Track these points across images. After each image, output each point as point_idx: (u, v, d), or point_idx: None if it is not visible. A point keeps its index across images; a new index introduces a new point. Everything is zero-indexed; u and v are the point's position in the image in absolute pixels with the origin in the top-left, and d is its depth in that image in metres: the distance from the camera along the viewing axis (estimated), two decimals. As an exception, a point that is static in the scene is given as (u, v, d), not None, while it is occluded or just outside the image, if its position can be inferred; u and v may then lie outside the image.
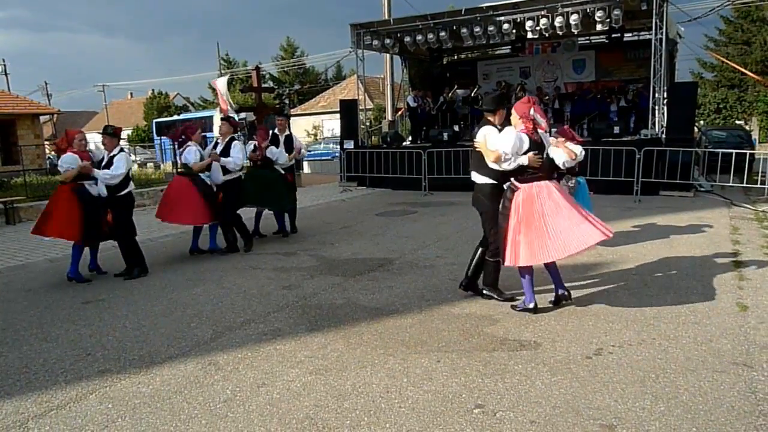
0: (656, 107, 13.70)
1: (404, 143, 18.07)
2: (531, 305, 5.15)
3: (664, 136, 13.11)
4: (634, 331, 4.63)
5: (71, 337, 5.02)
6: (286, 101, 47.30)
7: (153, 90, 57.56)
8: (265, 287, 6.38)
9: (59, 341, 4.95)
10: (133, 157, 29.08)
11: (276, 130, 9.23)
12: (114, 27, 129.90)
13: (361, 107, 18.68)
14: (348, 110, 17.82)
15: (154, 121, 40.39)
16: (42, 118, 28.53)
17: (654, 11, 13.13)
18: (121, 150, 6.92)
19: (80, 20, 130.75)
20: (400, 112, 21.98)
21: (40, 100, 39.62)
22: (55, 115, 31.25)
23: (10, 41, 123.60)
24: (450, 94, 18.96)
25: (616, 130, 14.55)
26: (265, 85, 33.86)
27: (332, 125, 39.00)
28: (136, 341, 4.86)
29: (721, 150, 12.48)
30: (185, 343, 4.76)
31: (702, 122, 30.01)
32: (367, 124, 22.39)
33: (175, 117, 41.46)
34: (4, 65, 41.28)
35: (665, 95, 13.69)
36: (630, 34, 18.27)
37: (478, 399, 3.60)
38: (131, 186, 7.10)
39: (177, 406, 3.69)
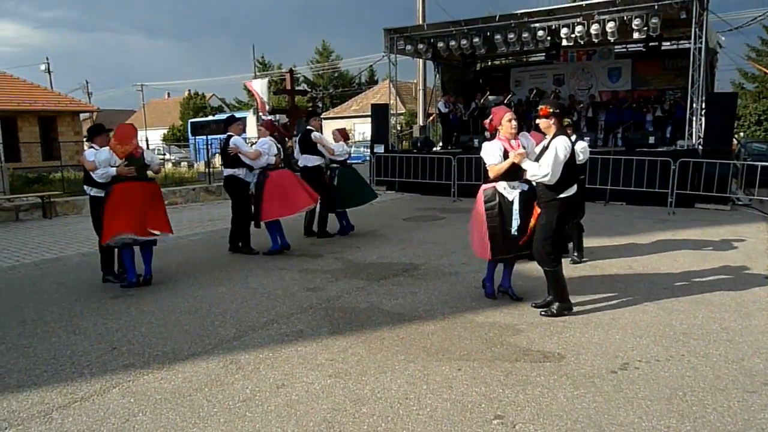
0: (693, 118, 13.41)
1: (434, 149, 18.03)
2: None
3: (701, 147, 12.82)
4: (662, 347, 4.52)
5: (99, 331, 5.12)
6: (319, 104, 47.71)
7: (189, 90, 58.68)
8: (290, 288, 6.41)
9: (87, 334, 5.04)
10: (167, 156, 29.66)
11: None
12: (156, 28, 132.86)
13: (392, 112, 18.70)
14: (379, 114, 17.86)
15: (190, 121, 41.15)
16: (82, 116, 29.27)
17: (693, 20, 12.86)
18: None
19: (124, 21, 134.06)
20: (431, 118, 21.94)
21: (81, 98, 40.70)
22: (95, 113, 31.98)
23: (56, 40, 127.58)
24: (482, 101, 18.86)
25: (652, 140, 14.31)
26: (299, 88, 34.21)
27: (363, 129, 39.16)
28: (161, 337, 4.93)
29: (760, 163, 12.15)
30: (208, 341, 4.80)
31: (742, 134, 29.29)
32: (398, 128, 22.40)
33: (210, 117, 42.21)
34: (48, 64, 42.51)
35: (703, 106, 13.39)
36: (668, 43, 17.94)
37: (498, 410, 3.55)
38: None
39: (197, 403, 3.72)
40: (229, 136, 8.11)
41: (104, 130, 7.06)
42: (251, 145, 8.84)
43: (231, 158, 8.03)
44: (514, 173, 5.31)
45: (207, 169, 16.74)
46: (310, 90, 50.36)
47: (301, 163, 9.34)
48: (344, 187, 9.38)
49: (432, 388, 3.85)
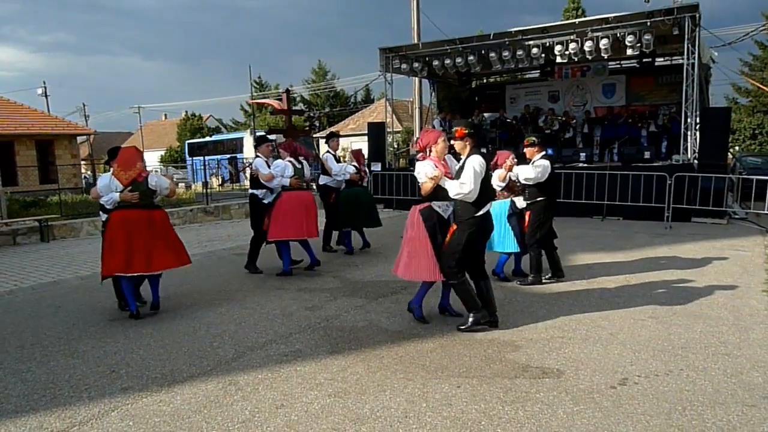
0: (688, 132, 13.51)
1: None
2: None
3: (696, 161, 12.90)
4: (661, 362, 4.52)
5: (97, 354, 5.10)
6: (316, 123, 47.91)
7: (186, 112, 58.84)
8: (288, 308, 6.41)
9: (85, 357, 5.02)
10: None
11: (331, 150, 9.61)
12: (153, 50, 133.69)
13: (389, 130, 18.80)
14: (376, 133, 17.97)
15: (187, 142, 41.31)
16: (79, 139, 29.35)
17: (686, 36, 13.01)
18: None
19: (122, 44, 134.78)
20: (428, 135, 22.03)
21: (78, 121, 40.81)
22: (92, 136, 32.09)
23: (53, 64, 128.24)
24: (478, 119, 18.98)
25: (647, 155, 14.39)
26: (296, 108, 34.40)
27: (360, 147, 39.23)
28: (159, 359, 4.91)
29: (755, 177, 12.21)
30: (207, 363, 4.79)
31: (737, 148, 29.47)
32: (395, 146, 22.50)
33: (207, 138, 42.40)
34: (45, 87, 42.72)
35: (698, 120, 13.49)
36: (662, 59, 18.11)
37: (498, 427, 3.54)
38: None
39: (196, 425, 3.70)
40: (257, 157, 8.23)
41: None
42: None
43: (253, 179, 8.22)
44: (445, 194, 5.37)
45: (204, 190, 16.77)
46: (306, 110, 50.59)
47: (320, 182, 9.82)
48: (344, 207, 9.46)
49: (431, 406, 3.84)
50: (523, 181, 7.05)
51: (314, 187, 9.90)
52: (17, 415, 3.93)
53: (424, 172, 5.36)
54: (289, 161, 8.05)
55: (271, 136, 24.08)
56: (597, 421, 3.58)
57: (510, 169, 6.87)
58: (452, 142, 5.42)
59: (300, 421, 3.71)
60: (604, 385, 4.10)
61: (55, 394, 4.27)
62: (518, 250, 7.19)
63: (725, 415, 3.60)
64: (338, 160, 9.63)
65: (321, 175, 9.82)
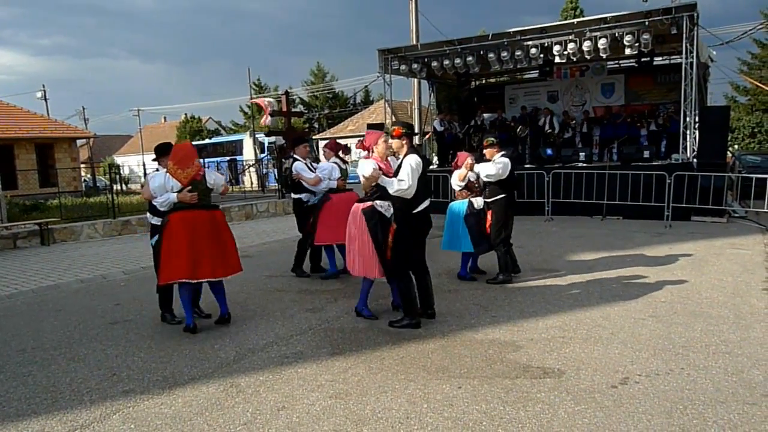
0: (687, 131, 13.51)
1: (431, 167, 18.10)
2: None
3: (695, 160, 12.91)
4: (662, 360, 4.52)
5: (98, 357, 5.11)
6: (315, 125, 47.91)
7: (186, 114, 58.81)
8: (289, 310, 6.41)
9: (86, 361, 5.03)
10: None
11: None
12: (153, 53, 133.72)
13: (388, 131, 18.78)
14: (375, 134, 17.93)
15: (187, 144, 41.25)
16: (78, 142, 29.35)
17: (684, 35, 13.01)
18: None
19: (122, 47, 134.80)
20: (427, 136, 22.07)
21: (78, 124, 40.83)
22: (91, 139, 32.10)
23: (53, 67, 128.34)
24: (480, 119, 18.97)
25: (647, 154, 14.38)
26: (295, 110, 34.44)
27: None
28: (161, 362, 4.92)
29: (755, 175, 12.22)
30: (208, 365, 4.79)
31: (736, 147, 29.49)
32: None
33: (207, 141, 42.43)
34: (44, 91, 42.73)
35: (697, 119, 13.50)
36: (660, 58, 18.09)
37: (499, 427, 3.55)
38: None
39: (198, 428, 3.71)
40: (294, 160, 7.96)
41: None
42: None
43: (294, 183, 7.97)
44: (388, 194, 5.51)
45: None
46: (306, 111, 50.61)
47: None
48: None
49: (433, 407, 3.85)
50: (484, 179, 7.30)
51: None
52: (19, 419, 3.94)
53: (363, 171, 5.55)
54: (335, 162, 7.86)
55: (272, 138, 24.02)
56: (598, 420, 3.58)
57: (471, 168, 7.22)
58: (390, 140, 5.65)
59: (301, 422, 3.71)
60: (605, 385, 4.11)
61: (56, 397, 4.28)
62: (472, 250, 7.38)
63: (726, 414, 3.61)
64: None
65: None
